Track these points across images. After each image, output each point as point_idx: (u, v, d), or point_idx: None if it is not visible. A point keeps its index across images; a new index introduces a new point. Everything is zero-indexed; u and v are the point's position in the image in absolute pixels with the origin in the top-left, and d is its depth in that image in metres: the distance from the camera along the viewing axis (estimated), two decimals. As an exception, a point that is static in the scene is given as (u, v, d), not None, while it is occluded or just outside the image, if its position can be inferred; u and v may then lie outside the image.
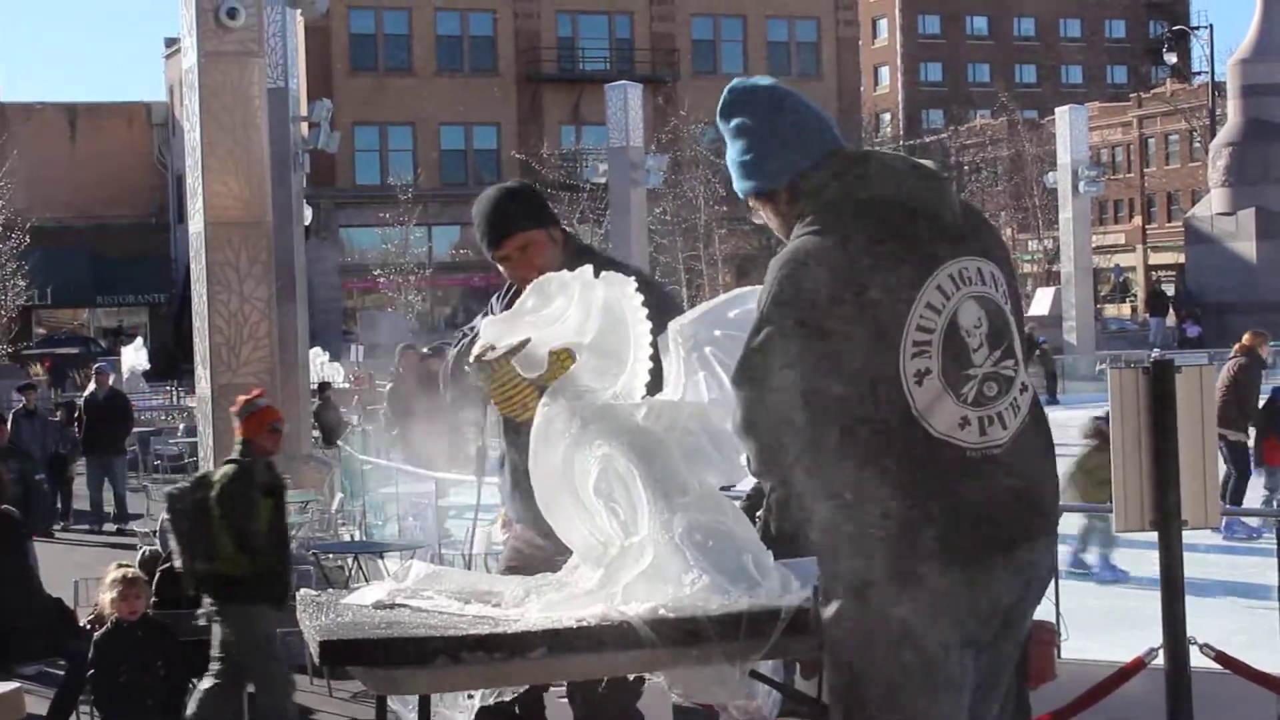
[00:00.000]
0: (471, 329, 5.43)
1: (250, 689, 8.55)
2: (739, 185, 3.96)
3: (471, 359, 4.68)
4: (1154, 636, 6.05)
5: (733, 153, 3.94)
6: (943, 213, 3.69)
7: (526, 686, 4.33)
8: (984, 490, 3.58)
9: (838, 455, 3.61)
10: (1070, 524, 11.41)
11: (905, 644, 3.57)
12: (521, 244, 5.09)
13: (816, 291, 3.58)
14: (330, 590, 4.74)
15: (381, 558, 12.21)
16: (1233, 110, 44.85)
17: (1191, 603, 5.97)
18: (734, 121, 3.92)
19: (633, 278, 4.31)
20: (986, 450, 3.59)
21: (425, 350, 18.72)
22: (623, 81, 33.64)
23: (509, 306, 5.10)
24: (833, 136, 3.89)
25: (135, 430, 23.03)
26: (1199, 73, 74.17)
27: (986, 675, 3.71)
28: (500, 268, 5.19)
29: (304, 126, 20.88)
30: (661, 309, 4.25)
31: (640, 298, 4.15)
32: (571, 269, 4.86)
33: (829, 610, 3.68)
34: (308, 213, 22.99)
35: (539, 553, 4.98)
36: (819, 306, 3.57)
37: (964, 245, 3.67)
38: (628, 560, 4.00)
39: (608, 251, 5.64)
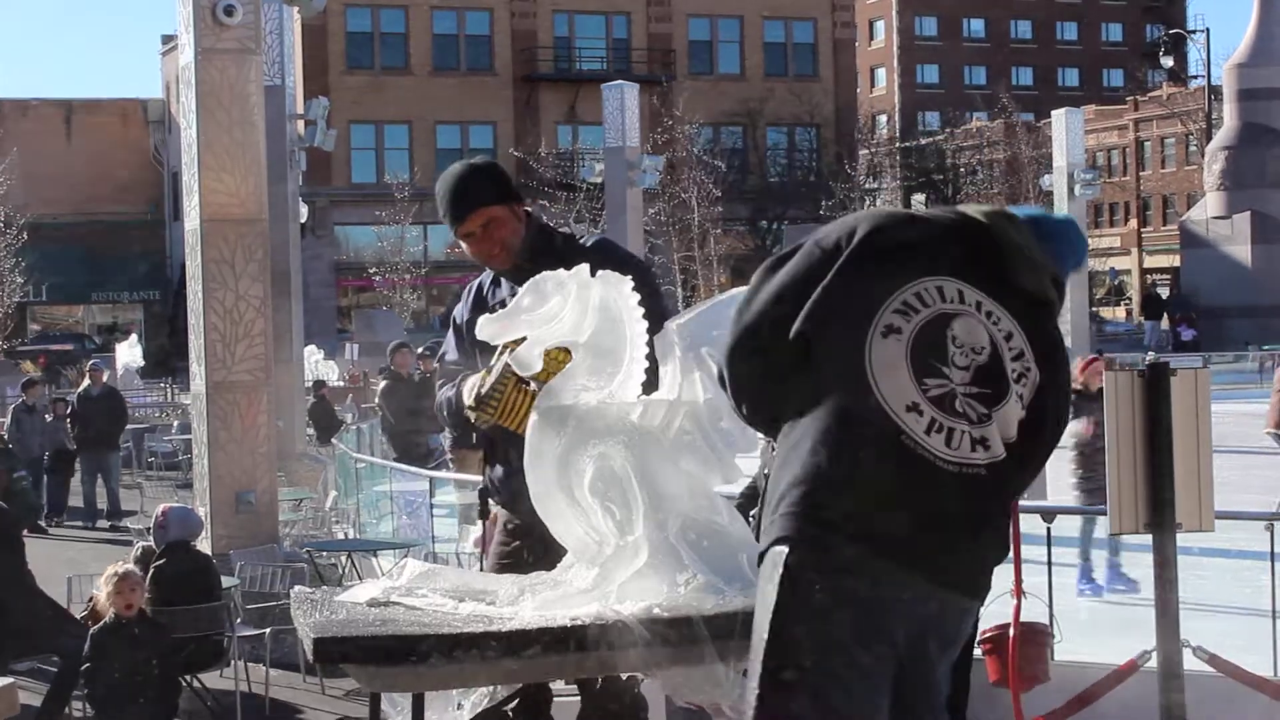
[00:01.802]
0: (443, 356, 5.42)
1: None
2: None
3: (468, 403, 4.70)
4: (1148, 639, 6.05)
5: None
6: (1018, 269, 3.63)
7: (520, 686, 4.33)
8: (905, 486, 3.43)
9: (786, 388, 3.60)
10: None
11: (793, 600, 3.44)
12: (484, 220, 5.06)
13: (868, 227, 3.62)
14: (324, 588, 4.74)
15: (375, 556, 12.22)
16: (1229, 114, 44.93)
17: (1185, 605, 5.98)
18: None
19: (601, 257, 4.48)
20: (928, 452, 3.44)
21: (420, 350, 18.72)
22: (619, 81, 33.57)
23: (475, 306, 5.17)
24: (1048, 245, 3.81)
25: (129, 427, 23.03)
26: (1195, 76, 74.24)
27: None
28: (463, 244, 5.17)
29: (300, 124, 20.87)
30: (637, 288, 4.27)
31: (637, 297, 4.15)
32: (534, 247, 5.00)
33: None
34: (303, 210, 22.98)
35: (521, 547, 4.99)
36: (848, 239, 3.60)
37: (1014, 307, 3.61)
38: (622, 559, 4.00)
39: (572, 230, 5.62)
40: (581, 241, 5.22)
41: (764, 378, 3.64)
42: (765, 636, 3.44)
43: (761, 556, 3.55)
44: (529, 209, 5.22)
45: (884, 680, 3.46)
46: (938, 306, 3.52)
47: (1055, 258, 3.75)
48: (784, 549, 3.45)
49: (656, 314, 4.25)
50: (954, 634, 3.59)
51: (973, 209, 3.75)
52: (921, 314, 3.51)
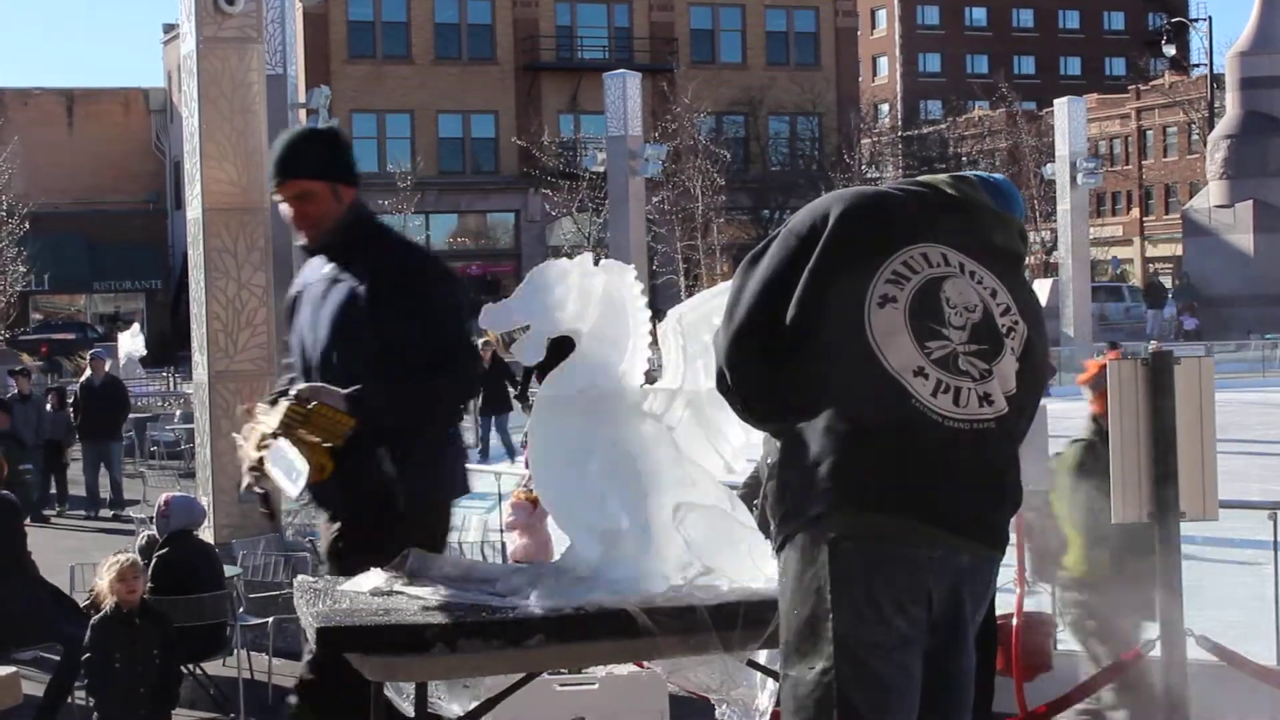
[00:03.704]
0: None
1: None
2: None
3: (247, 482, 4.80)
4: (1151, 628, 6.05)
5: None
6: (992, 227, 3.75)
7: (523, 675, 4.33)
8: (923, 450, 3.51)
9: (790, 374, 3.62)
10: None
11: (817, 585, 3.49)
12: (299, 191, 4.98)
13: (842, 209, 3.67)
14: (327, 577, 4.74)
15: (378, 545, 12.19)
16: (1231, 103, 44.88)
17: (1188, 595, 5.97)
18: None
19: (406, 253, 4.93)
20: (938, 414, 3.52)
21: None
22: (621, 70, 33.58)
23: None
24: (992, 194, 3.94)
25: (132, 416, 23.00)
26: (1197, 65, 74.17)
27: (934, 695, 3.60)
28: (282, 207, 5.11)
29: (302, 113, 20.84)
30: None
31: (640, 286, 4.15)
32: (348, 235, 4.96)
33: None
34: (306, 200, 22.95)
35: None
36: (830, 218, 3.65)
37: (994, 264, 3.71)
38: (626, 548, 4.00)
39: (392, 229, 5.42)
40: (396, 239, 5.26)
41: (767, 372, 3.66)
42: (829, 612, 3.46)
43: (786, 539, 3.56)
44: (357, 193, 5.10)
45: (918, 646, 3.52)
46: (926, 272, 3.60)
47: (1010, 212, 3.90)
48: (822, 526, 3.49)
49: (444, 314, 4.72)
50: (984, 588, 3.67)
51: (935, 178, 3.85)
52: (913, 280, 3.58)
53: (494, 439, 22.36)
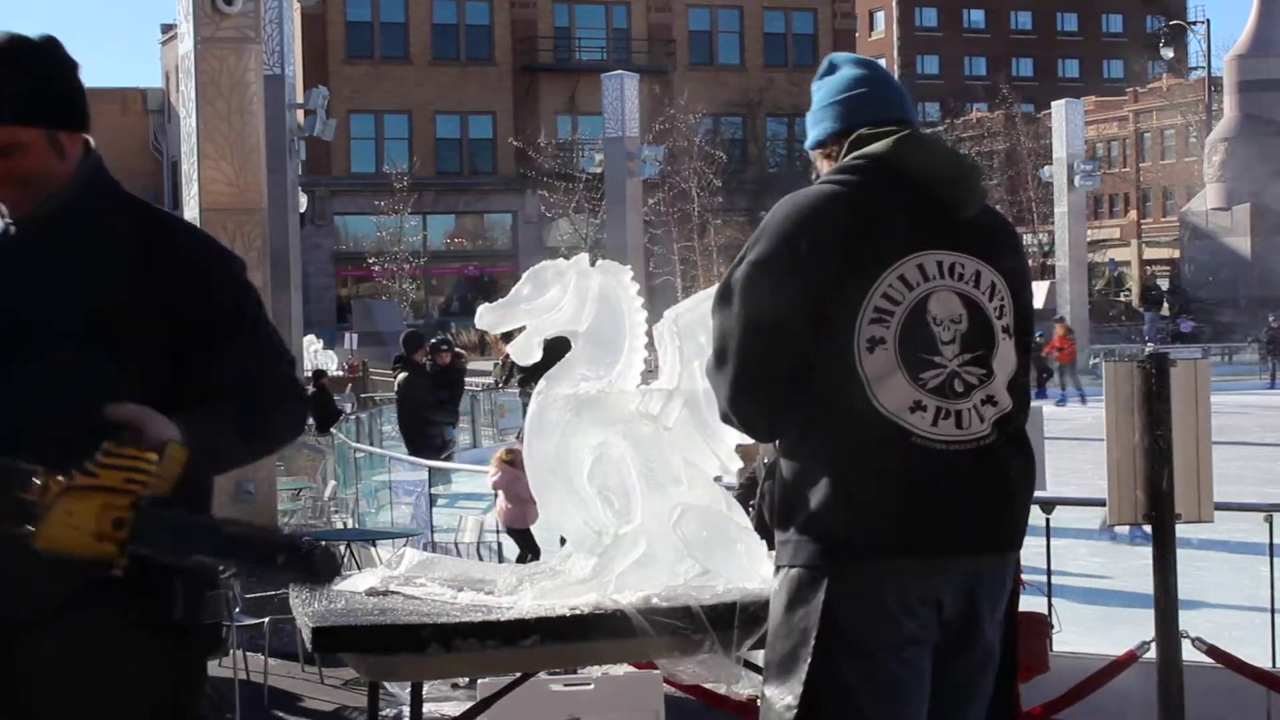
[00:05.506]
0: None
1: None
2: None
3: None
4: (1146, 630, 6.05)
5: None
6: (958, 205, 3.60)
7: (519, 675, 4.33)
8: (929, 483, 3.45)
9: (783, 409, 3.54)
10: None
11: (821, 627, 3.44)
12: (10, 139, 3.20)
13: (799, 228, 3.50)
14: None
15: (374, 545, 12.21)
16: (1229, 105, 45.03)
17: (1184, 596, 5.98)
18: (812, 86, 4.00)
19: (192, 237, 3.39)
20: (941, 442, 3.47)
21: (434, 341, 18.77)
22: (619, 71, 33.62)
23: None
24: (891, 110, 3.77)
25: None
26: (1195, 68, 74.33)
27: (948, 690, 3.58)
28: None
29: (300, 114, 20.83)
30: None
31: (636, 286, 4.16)
32: (84, 197, 3.35)
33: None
34: (303, 200, 22.97)
35: None
36: (795, 244, 3.48)
37: (968, 244, 3.59)
38: (621, 549, 4.00)
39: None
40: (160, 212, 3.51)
41: (771, 410, 3.57)
42: (810, 654, 3.42)
43: (783, 568, 3.53)
44: (89, 140, 3.46)
45: (928, 646, 3.49)
46: (908, 299, 3.48)
47: (905, 106, 3.78)
48: (820, 571, 3.44)
49: (238, 316, 3.26)
50: (999, 586, 3.61)
51: (876, 148, 3.63)
52: (897, 313, 3.47)
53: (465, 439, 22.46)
